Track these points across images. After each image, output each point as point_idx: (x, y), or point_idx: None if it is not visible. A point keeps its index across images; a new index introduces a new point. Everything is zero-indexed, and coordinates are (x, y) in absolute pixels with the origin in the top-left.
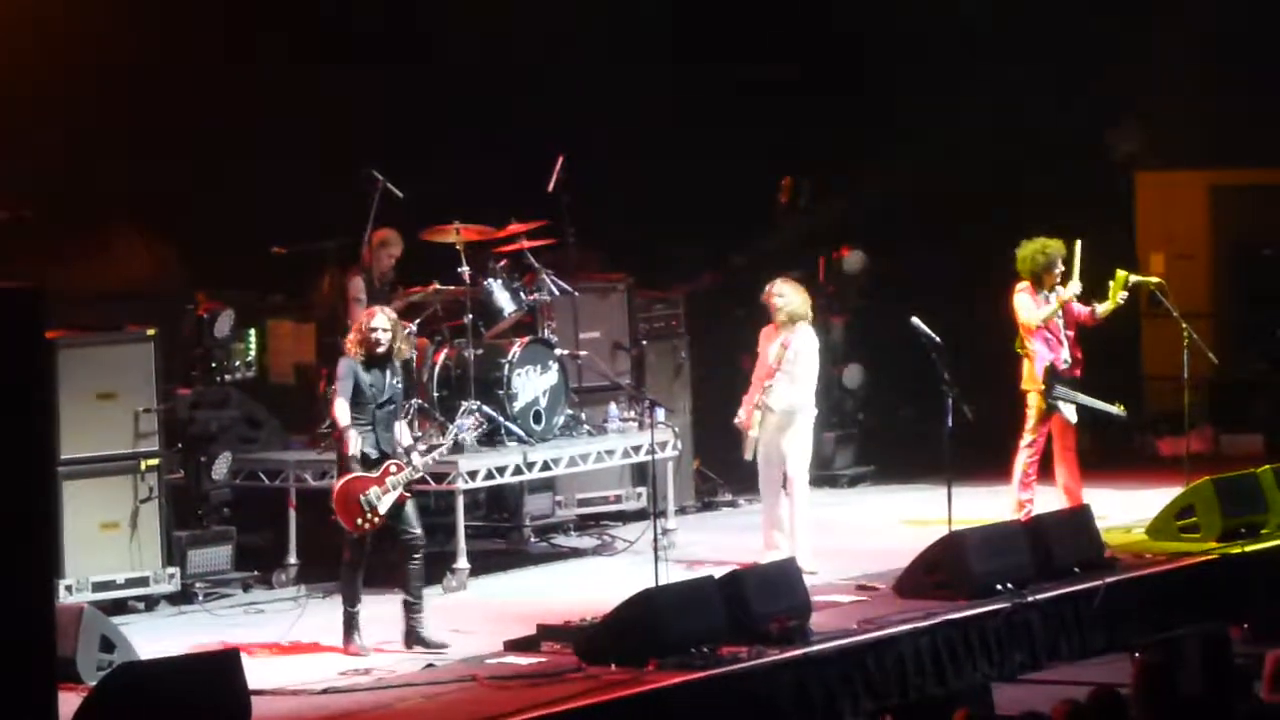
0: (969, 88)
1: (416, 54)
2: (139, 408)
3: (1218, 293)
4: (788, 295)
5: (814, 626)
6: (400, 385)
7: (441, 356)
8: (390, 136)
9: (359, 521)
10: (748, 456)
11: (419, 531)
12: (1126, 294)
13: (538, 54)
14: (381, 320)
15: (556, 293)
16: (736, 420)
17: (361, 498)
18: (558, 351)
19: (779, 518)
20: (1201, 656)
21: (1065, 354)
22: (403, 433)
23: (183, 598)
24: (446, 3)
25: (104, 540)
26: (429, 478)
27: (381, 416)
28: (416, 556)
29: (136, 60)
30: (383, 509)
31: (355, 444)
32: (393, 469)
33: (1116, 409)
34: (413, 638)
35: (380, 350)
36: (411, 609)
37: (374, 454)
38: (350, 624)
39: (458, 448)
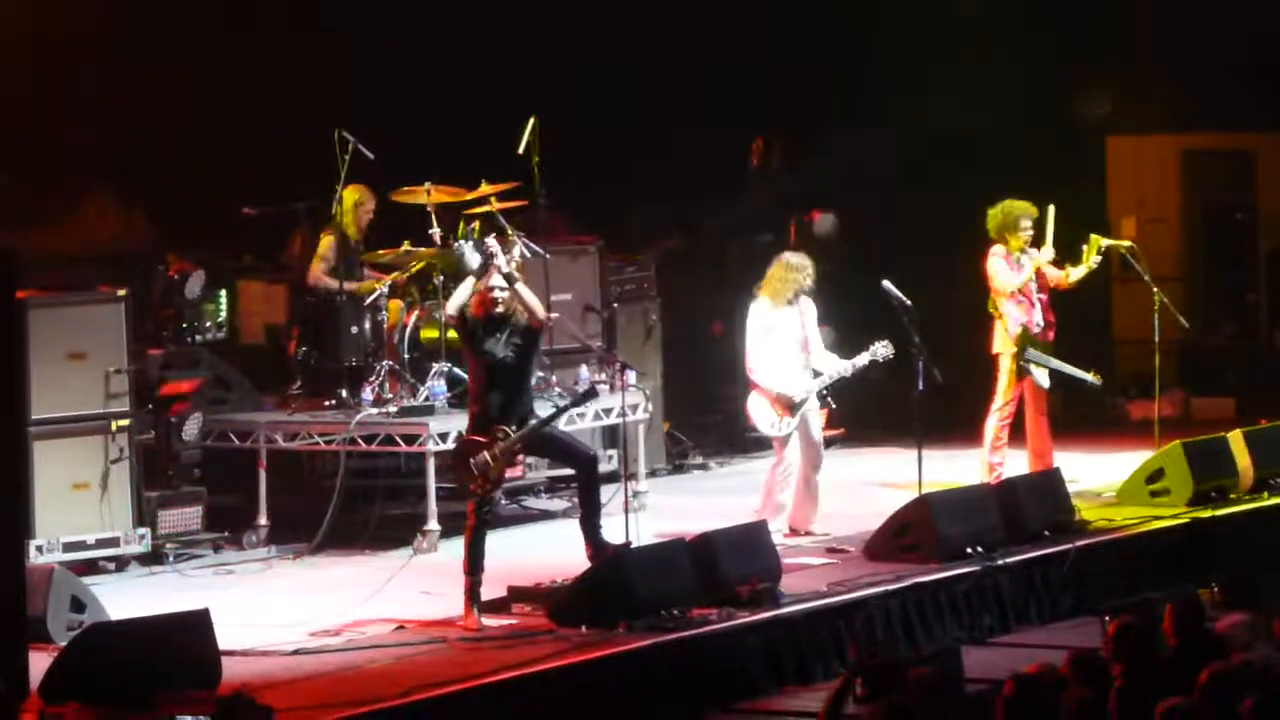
0: (939, 52)
1: (386, 17)
2: (110, 368)
3: (1189, 257)
4: (809, 268)
5: (784, 589)
6: (519, 346)
7: (412, 318)
8: (359, 98)
9: (471, 486)
10: (789, 429)
11: (588, 452)
12: (1099, 258)
13: (507, 17)
14: (499, 279)
15: (528, 255)
16: (788, 393)
17: (472, 461)
18: None
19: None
20: (1173, 619)
21: (1038, 317)
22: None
23: (153, 558)
24: None
25: (74, 500)
26: (399, 439)
27: (500, 379)
28: (590, 476)
29: (107, 22)
30: (493, 474)
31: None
32: (500, 434)
33: (1091, 376)
34: (596, 549)
35: (498, 310)
36: (588, 526)
37: (496, 416)
38: (473, 594)
39: (428, 409)
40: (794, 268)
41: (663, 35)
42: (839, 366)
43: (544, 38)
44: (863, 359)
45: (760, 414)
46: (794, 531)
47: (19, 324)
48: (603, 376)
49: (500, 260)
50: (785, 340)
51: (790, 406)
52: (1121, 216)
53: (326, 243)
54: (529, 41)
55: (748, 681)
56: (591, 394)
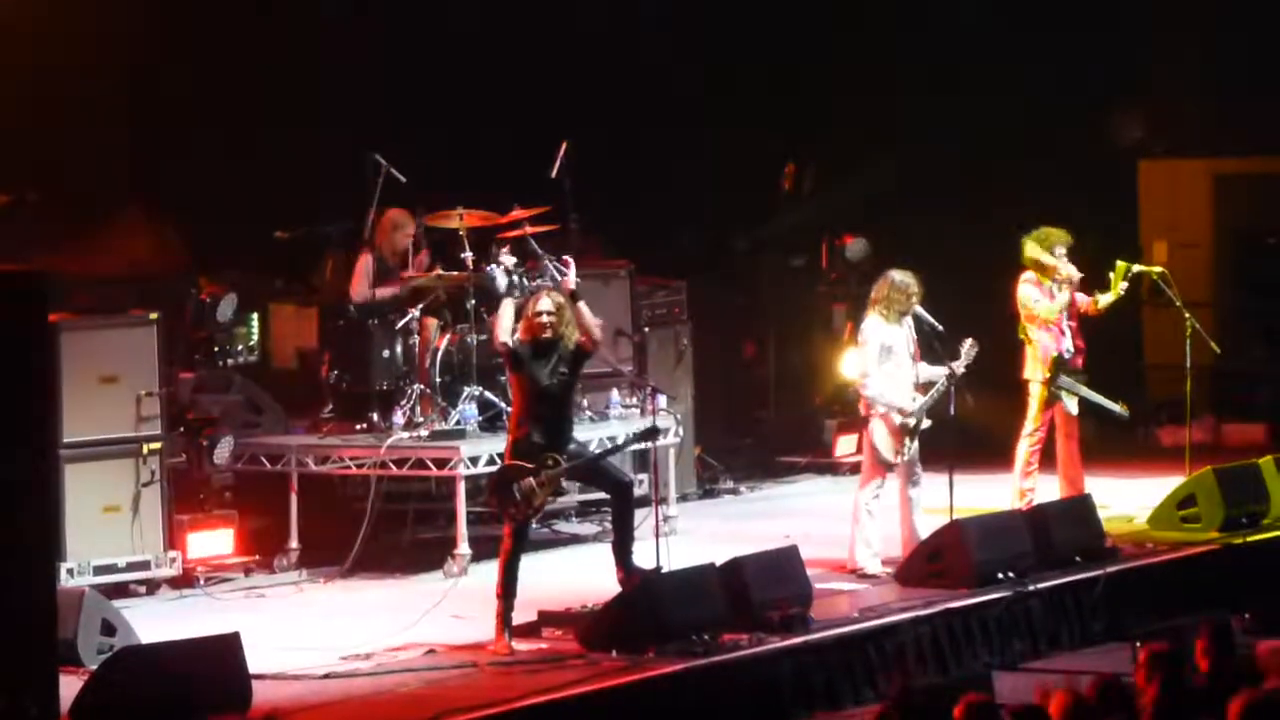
0: (971, 77)
1: (419, 40)
2: (141, 391)
3: (1220, 282)
4: (915, 285)
5: (815, 614)
6: (567, 372)
7: (444, 342)
8: (393, 120)
9: (511, 510)
10: (909, 453)
11: (625, 478)
12: (1127, 284)
13: (542, 41)
14: (547, 304)
15: (559, 278)
16: (907, 408)
17: (515, 487)
18: None
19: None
20: (1204, 645)
21: (1068, 343)
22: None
23: (184, 581)
24: None
25: (105, 523)
26: (429, 463)
27: (545, 408)
28: (625, 502)
29: (141, 43)
30: (536, 501)
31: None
32: (549, 462)
33: (1120, 408)
34: (627, 573)
35: (546, 335)
36: (621, 551)
37: (541, 442)
38: (505, 619)
39: (459, 433)
40: (900, 286)
41: (696, 62)
42: (941, 375)
43: (577, 62)
44: (959, 365)
45: (883, 442)
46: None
47: (52, 347)
48: (634, 401)
49: (570, 275)
50: (900, 358)
51: (908, 430)
52: (1153, 241)
53: (365, 261)
54: (562, 65)
55: (778, 707)
56: (654, 433)
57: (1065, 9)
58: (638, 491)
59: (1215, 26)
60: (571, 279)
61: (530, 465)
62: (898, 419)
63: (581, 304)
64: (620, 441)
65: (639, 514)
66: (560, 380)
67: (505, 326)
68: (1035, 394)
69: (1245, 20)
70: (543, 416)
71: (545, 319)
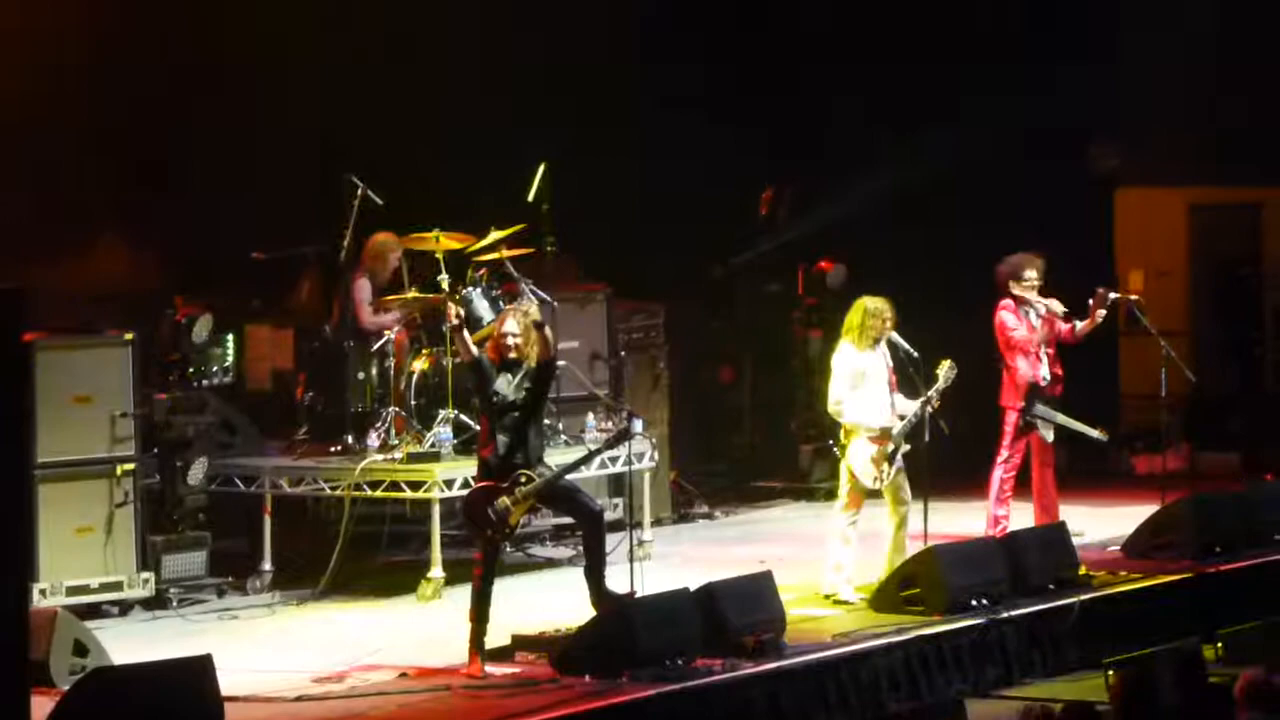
0: (949, 106)
1: (397, 60)
2: (115, 411)
3: (1196, 310)
4: (889, 311)
5: (788, 640)
6: (529, 390)
7: (420, 364)
8: (369, 143)
9: (488, 532)
10: (889, 477)
11: (595, 507)
12: (1105, 312)
13: (520, 64)
14: (513, 325)
15: (536, 302)
16: (887, 428)
17: (490, 507)
18: None
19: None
20: (1176, 674)
21: (1045, 371)
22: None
23: (157, 603)
24: (428, 9)
25: (79, 544)
26: (404, 485)
27: (510, 423)
28: (595, 530)
29: (121, 62)
30: (512, 520)
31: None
32: (522, 479)
33: (1098, 433)
34: (600, 598)
35: (510, 355)
36: (593, 577)
37: (511, 460)
38: (478, 642)
39: (434, 456)
40: (874, 312)
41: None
42: (916, 405)
43: (555, 84)
44: (936, 388)
45: (862, 467)
46: None
47: (26, 366)
48: (609, 424)
49: (533, 309)
50: (876, 383)
51: (887, 455)
52: (1129, 270)
53: (361, 286)
54: (539, 88)
55: None
56: (626, 435)
57: (1042, 39)
58: (612, 516)
59: (1190, 57)
60: (534, 311)
61: (503, 484)
62: (874, 448)
63: (546, 329)
64: (592, 450)
65: (613, 538)
66: (526, 396)
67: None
68: (1011, 421)
69: (1221, 52)
70: (510, 433)
71: (510, 340)
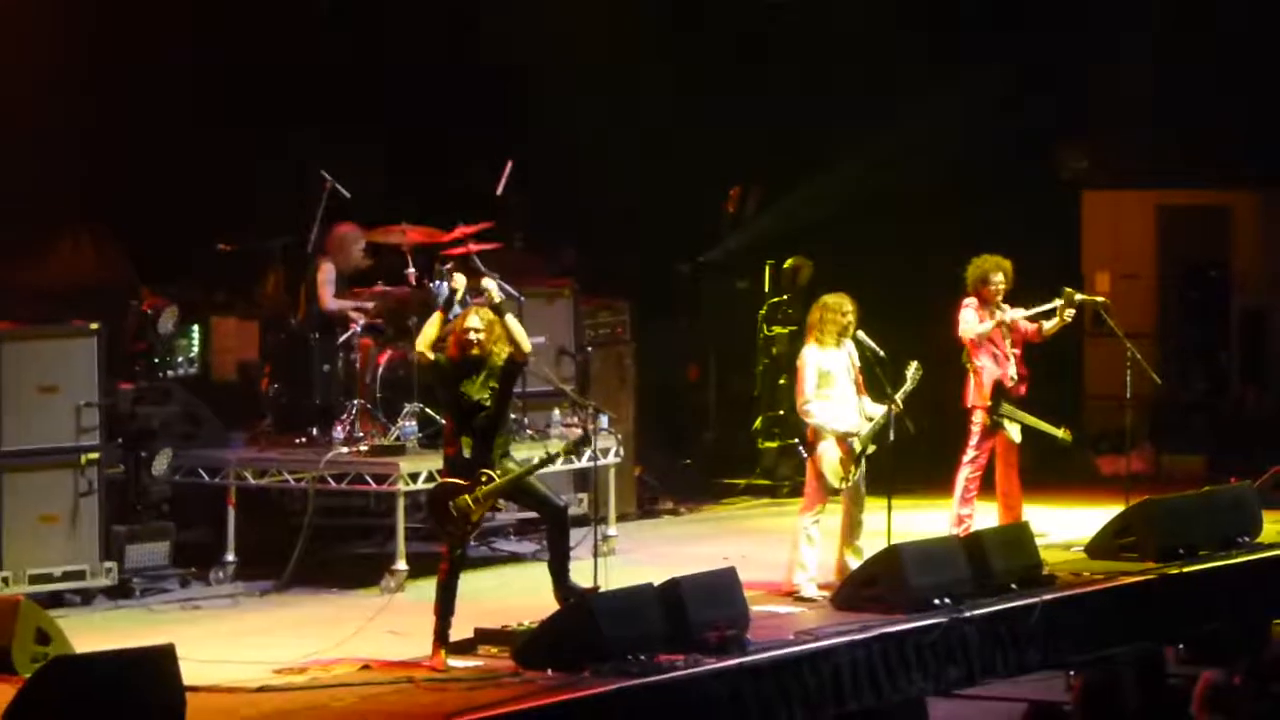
0: (915, 106)
1: (366, 55)
2: (81, 401)
3: (1162, 312)
4: (849, 306)
5: (751, 636)
6: (495, 390)
7: (385, 358)
8: (335, 136)
9: (449, 528)
10: (854, 478)
11: (559, 502)
12: (1072, 312)
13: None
14: (475, 321)
15: (494, 284)
16: (855, 431)
17: (451, 504)
18: None
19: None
20: (1137, 676)
21: (1011, 370)
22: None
23: (120, 592)
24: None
25: (42, 533)
26: (369, 478)
27: (477, 423)
28: (559, 526)
29: (85, 59)
30: (473, 518)
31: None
32: (484, 478)
33: (1061, 434)
34: (564, 593)
35: (474, 353)
36: (556, 572)
37: (475, 458)
38: (441, 636)
39: (399, 449)
40: (833, 307)
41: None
42: (883, 408)
43: (524, 79)
44: (904, 389)
45: (829, 468)
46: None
47: None
48: (575, 420)
49: (492, 286)
50: (841, 382)
51: (854, 456)
52: (1096, 271)
53: (326, 270)
54: (510, 83)
55: None
56: (584, 442)
57: (1009, 39)
58: (577, 511)
59: (1158, 59)
60: (495, 291)
61: (465, 482)
62: (837, 450)
63: (509, 317)
64: (553, 452)
65: (578, 533)
66: (491, 395)
67: (427, 336)
68: (977, 421)
69: (1188, 53)
70: (475, 432)
71: (473, 336)
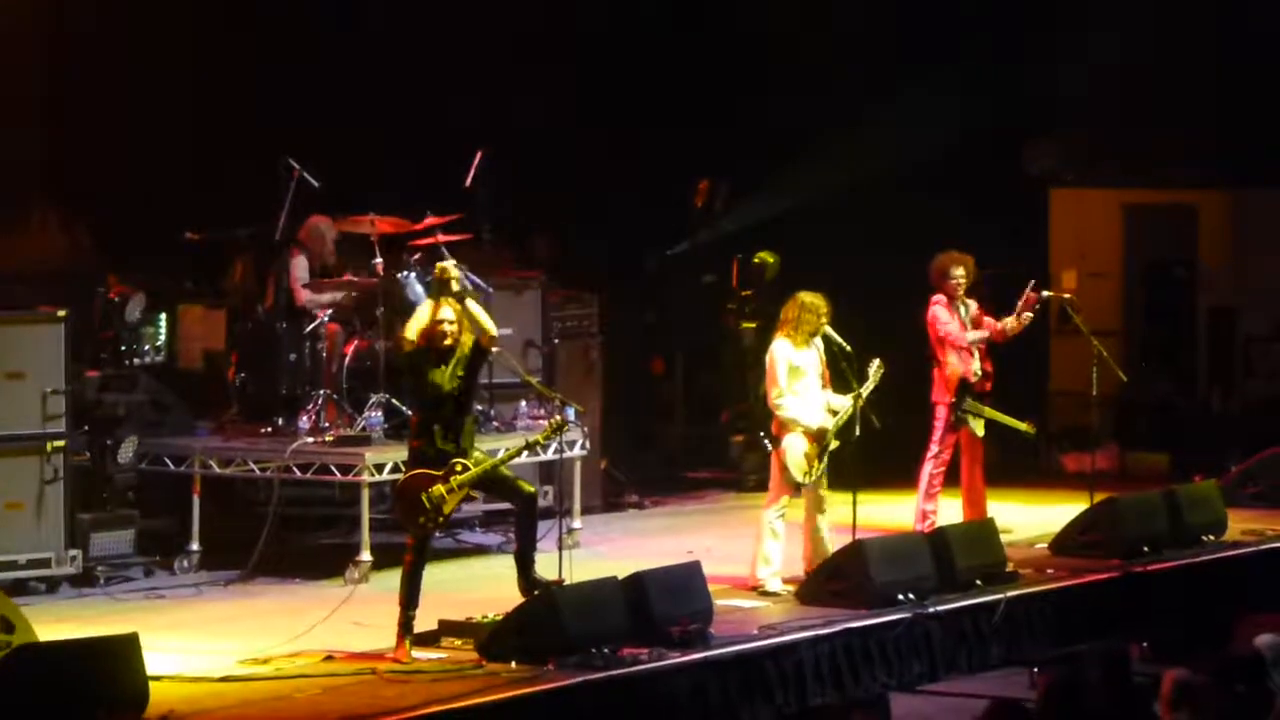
0: (882, 101)
1: (332, 45)
2: (47, 388)
3: (1129, 311)
4: (824, 306)
5: (715, 631)
6: (462, 378)
7: (352, 348)
8: (305, 126)
9: (421, 520)
10: (819, 473)
11: (529, 490)
12: (1032, 314)
13: (457, 50)
14: (449, 312)
15: (471, 288)
16: (825, 427)
17: (425, 495)
18: None
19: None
20: (1102, 674)
21: (976, 366)
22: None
23: (84, 580)
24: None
25: (7, 520)
26: (334, 468)
27: (446, 412)
28: (530, 513)
29: (55, 42)
30: (446, 509)
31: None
32: (458, 468)
33: (1025, 427)
34: (529, 584)
35: (447, 343)
36: (522, 562)
37: (444, 448)
38: (406, 627)
39: (364, 439)
40: (810, 307)
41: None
42: (848, 401)
43: (492, 72)
44: (867, 386)
45: (795, 462)
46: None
47: None
48: (541, 412)
49: (458, 274)
50: (810, 379)
51: (819, 453)
52: (1063, 269)
53: (301, 264)
54: (476, 74)
55: None
56: (560, 428)
57: (977, 40)
58: (542, 503)
59: (1126, 58)
60: (453, 270)
61: (438, 473)
62: (808, 444)
63: (470, 303)
64: (531, 440)
65: (543, 526)
66: (459, 384)
67: (420, 323)
68: (942, 416)
69: (1156, 54)
70: (443, 421)
71: (447, 327)
